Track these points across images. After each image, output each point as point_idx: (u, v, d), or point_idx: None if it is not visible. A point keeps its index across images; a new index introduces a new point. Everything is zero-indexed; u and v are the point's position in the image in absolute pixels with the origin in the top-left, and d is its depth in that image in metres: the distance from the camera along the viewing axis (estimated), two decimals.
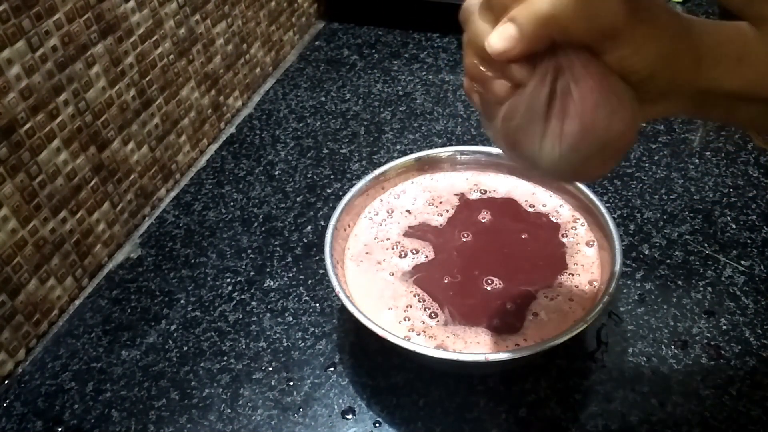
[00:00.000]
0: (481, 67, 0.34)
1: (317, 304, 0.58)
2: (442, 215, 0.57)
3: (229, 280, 0.61)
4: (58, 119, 0.57)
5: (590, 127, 0.32)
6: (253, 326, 0.57)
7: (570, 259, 0.52)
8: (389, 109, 0.80)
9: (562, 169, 0.34)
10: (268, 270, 0.62)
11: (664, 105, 0.34)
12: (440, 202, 0.58)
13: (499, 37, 0.31)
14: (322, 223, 0.66)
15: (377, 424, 0.49)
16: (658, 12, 0.31)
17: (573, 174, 0.35)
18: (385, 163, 0.59)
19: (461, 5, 0.34)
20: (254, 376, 0.53)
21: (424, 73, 0.86)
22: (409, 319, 0.49)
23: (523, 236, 0.54)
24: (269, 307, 0.59)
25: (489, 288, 0.51)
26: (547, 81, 0.32)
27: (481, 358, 0.45)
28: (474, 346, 0.47)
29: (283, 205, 0.69)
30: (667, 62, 0.31)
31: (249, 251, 0.64)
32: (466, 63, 0.34)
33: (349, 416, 0.50)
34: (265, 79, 0.89)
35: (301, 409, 0.51)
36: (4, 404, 0.53)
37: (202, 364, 0.54)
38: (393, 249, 0.54)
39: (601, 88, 0.31)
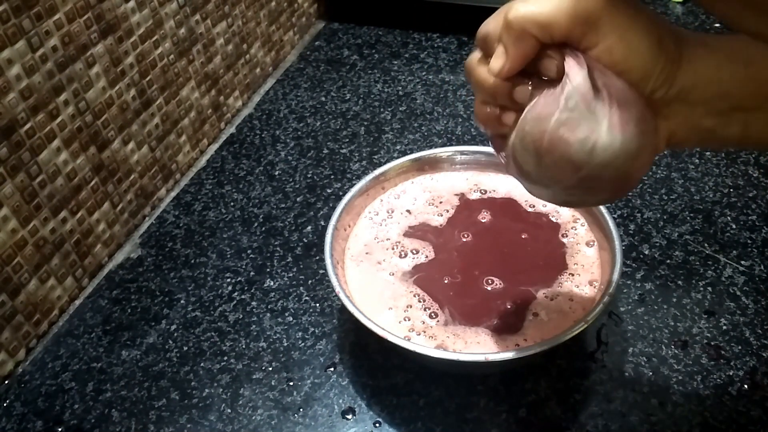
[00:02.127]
0: (491, 107, 0.36)
1: (317, 304, 0.58)
2: (442, 215, 0.57)
3: (229, 280, 0.61)
4: (59, 119, 0.57)
5: (642, 116, 0.32)
6: (253, 326, 0.57)
7: (570, 259, 0.52)
8: (389, 109, 0.80)
9: (617, 164, 0.32)
10: (268, 270, 0.62)
11: (674, 120, 0.34)
12: (440, 202, 0.58)
13: (495, 59, 0.33)
14: (322, 223, 0.66)
15: (377, 424, 0.49)
16: (632, 1, 0.32)
17: (622, 172, 0.34)
18: (385, 163, 0.59)
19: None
20: (254, 376, 0.53)
21: (424, 73, 0.86)
22: (409, 319, 0.49)
23: (523, 236, 0.54)
24: (269, 307, 0.59)
25: (489, 288, 0.51)
26: (577, 75, 0.32)
27: (481, 358, 0.45)
28: (474, 346, 0.47)
29: (283, 205, 0.69)
30: (654, 52, 0.31)
31: (249, 251, 0.64)
32: (478, 112, 0.36)
33: (349, 416, 0.50)
34: (265, 79, 0.89)
35: (301, 409, 0.51)
36: (4, 404, 0.53)
37: (202, 364, 0.54)
38: (393, 249, 0.54)
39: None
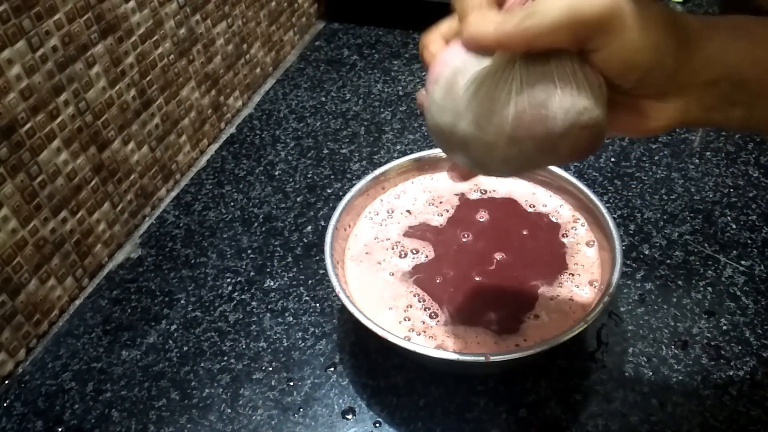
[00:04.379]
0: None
1: (317, 304, 0.58)
2: (442, 215, 0.57)
3: (229, 280, 0.61)
4: (59, 119, 0.57)
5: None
6: (254, 326, 0.57)
7: (570, 259, 0.52)
8: (389, 109, 0.80)
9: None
10: (268, 270, 0.62)
11: (679, 102, 0.34)
12: (440, 202, 0.58)
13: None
14: (323, 223, 0.66)
15: (377, 424, 0.49)
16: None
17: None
18: (385, 163, 0.59)
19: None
20: (254, 376, 0.53)
21: (424, 73, 0.86)
22: (409, 319, 0.49)
23: (523, 236, 0.54)
24: (269, 307, 0.59)
25: (489, 288, 0.51)
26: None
27: (481, 358, 0.45)
28: (474, 346, 0.47)
29: (283, 205, 0.69)
30: (660, 46, 0.31)
31: (249, 251, 0.64)
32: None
33: (350, 416, 0.50)
34: (266, 79, 0.89)
35: (301, 409, 0.51)
36: (5, 404, 0.53)
37: (202, 364, 0.54)
38: (393, 249, 0.54)
39: None
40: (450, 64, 0.34)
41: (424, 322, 0.49)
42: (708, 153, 0.70)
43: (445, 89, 0.34)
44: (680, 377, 0.50)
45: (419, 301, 0.50)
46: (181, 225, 0.68)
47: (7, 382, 0.55)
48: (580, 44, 0.31)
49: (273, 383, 0.53)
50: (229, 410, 0.51)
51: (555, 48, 0.31)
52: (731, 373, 0.50)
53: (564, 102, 0.32)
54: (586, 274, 0.51)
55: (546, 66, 0.31)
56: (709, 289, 0.57)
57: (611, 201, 0.65)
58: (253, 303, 0.59)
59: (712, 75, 0.33)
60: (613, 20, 0.30)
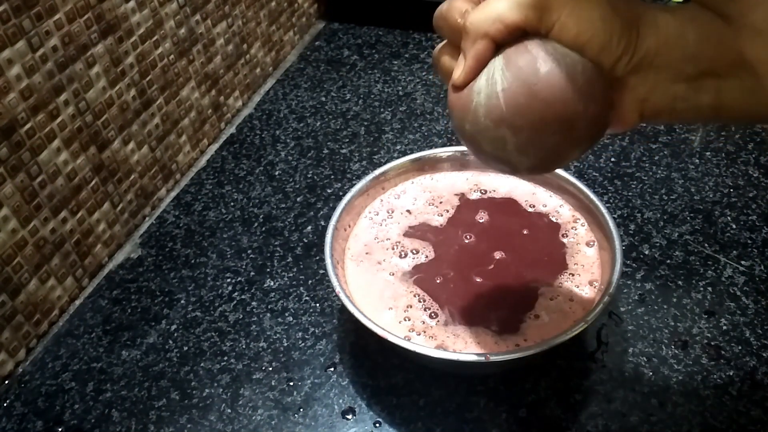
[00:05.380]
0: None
1: (317, 304, 0.58)
2: (442, 215, 0.57)
3: (229, 280, 0.61)
4: (59, 119, 0.57)
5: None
6: (254, 326, 0.57)
7: (570, 259, 0.52)
8: (389, 109, 0.80)
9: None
10: (268, 270, 0.62)
11: (641, 88, 0.34)
12: (440, 202, 0.58)
13: (456, 69, 0.35)
14: (323, 223, 0.66)
15: (377, 424, 0.49)
16: None
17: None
18: (385, 163, 0.59)
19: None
20: (254, 376, 0.53)
21: (424, 73, 0.86)
22: (409, 319, 0.49)
23: (523, 236, 0.54)
24: (269, 307, 0.59)
25: (489, 288, 0.51)
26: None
27: (481, 358, 0.45)
28: (474, 346, 0.47)
29: (283, 205, 0.69)
30: (608, 20, 0.32)
31: (249, 251, 0.64)
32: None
33: (350, 416, 0.50)
34: (266, 79, 0.89)
35: (301, 409, 0.51)
36: (5, 404, 0.53)
37: (202, 364, 0.55)
38: (393, 249, 0.54)
39: None
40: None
41: (424, 322, 0.49)
42: (708, 153, 0.70)
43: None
44: (680, 377, 0.50)
45: (419, 301, 0.50)
46: (181, 225, 0.68)
47: (7, 382, 0.55)
48: (534, 25, 0.33)
49: (273, 383, 0.53)
50: (229, 410, 0.51)
51: (518, 34, 0.33)
52: (731, 373, 0.50)
53: (548, 65, 0.33)
54: (586, 274, 0.51)
55: (520, 46, 0.33)
56: (709, 289, 0.57)
57: (611, 201, 0.65)
58: (253, 303, 0.59)
59: (671, 57, 0.33)
60: None
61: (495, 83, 0.34)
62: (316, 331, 0.56)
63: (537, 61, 0.33)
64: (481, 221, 0.56)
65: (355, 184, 0.57)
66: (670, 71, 0.34)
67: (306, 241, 0.65)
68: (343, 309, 0.53)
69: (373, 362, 0.53)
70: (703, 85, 0.34)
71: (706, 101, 0.34)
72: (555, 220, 0.55)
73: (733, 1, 0.32)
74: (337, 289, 0.48)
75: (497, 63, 0.34)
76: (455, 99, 0.36)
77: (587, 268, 0.52)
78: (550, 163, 0.37)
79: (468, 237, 0.55)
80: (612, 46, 0.33)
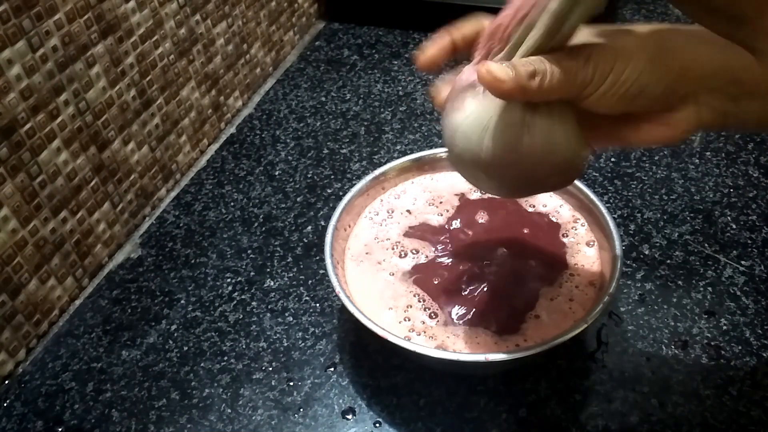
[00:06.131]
0: None
1: (317, 304, 0.58)
2: (442, 215, 0.57)
3: (229, 280, 0.61)
4: (59, 119, 0.57)
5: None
6: (254, 326, 0.57)
7: (570, 259, 0.52)
8: (389, 109, 0.80)
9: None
10: (268, 270, 0.62)
11: (688, 109, 0.35)
12: (440, 203, 0.58)
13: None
14: (323, 223, 0.66)
15: (377, 424, 0.49)
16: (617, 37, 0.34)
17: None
18: (385, 163, 0.59)
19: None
20: (254, 376, 0.53)
21: (424, 73, 0.86)
22: (409, 320, 0.49)
23: (523, 236, 0.54)
24: (269, 307, 0.59)
25: (489, 288, 0.51)
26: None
27: (481, 358, 0.45)
28: (474, 346, 0.47)
29: (283, 205, 0.69)
30: (636, 72, 0.33)
31: (249, 251, 0.64)
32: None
33: (350, 416, 0.50)
34: (266, 79, 0.89)
35: (301, 409, 0.51)
36: (5, 404, 0.53)
37: (202, 364, 0.55)
38: (393, 249, 0.54)
39: None
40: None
41: (424, 322, 0.49)
42: (708, 153, 0.70)
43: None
44: (680, 377, 0.50)
45: (419, 301, 0.50)
46: (181, 225, 0.68)
47: (7, 382, 0.55)
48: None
49: (273, 383, 0.53)
50: (229, 410, 0.51)
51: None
52: (731, 373, 0.50)
53: (533, 138, 0.36)
54: (586, 274, 0.51)
55: (548, 109, 0.35)
56: (709, 289, 0.57)
57: (611, 201, 0.65)
58: (253, 303, 0.59)
59: (714, 83, 0.34)
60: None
61: (486, 129, 0.39)
62: (316, 331, 0.56)
63: (524, 135, 0.35)
64: (481, 221, 0.56)
65: (355, 184, 0.57)
66: (706, 91, 0.35)
67: (306, 241, 0.65)
68: (343, 309, 0.53)
69: (373, 362, 0.53)
70: (739, 96, 0.35)
71: (750, 110, 0.35)
72: (555, 220, 0.55)
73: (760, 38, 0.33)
74: (337, 289, 0.48)
75: (524, 114, 0.36)
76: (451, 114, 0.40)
77: (587, 268, 0.52)
78: (525, 195, 0.42)
79: (468, 237, 0.55)
80: (648, 92, 0.34)
